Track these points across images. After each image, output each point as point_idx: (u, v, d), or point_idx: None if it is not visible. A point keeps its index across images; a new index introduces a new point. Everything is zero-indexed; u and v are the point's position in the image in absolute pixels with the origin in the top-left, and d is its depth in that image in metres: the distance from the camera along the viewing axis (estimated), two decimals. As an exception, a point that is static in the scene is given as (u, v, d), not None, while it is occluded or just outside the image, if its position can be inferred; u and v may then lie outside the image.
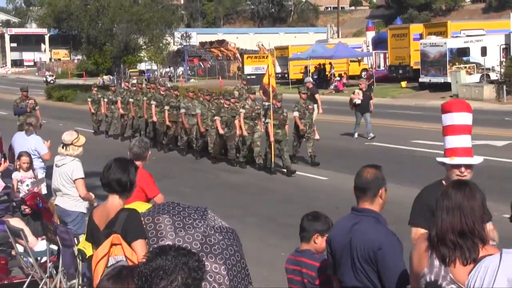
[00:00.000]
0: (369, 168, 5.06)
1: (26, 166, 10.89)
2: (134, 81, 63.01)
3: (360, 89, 24.46)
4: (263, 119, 19.11)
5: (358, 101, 23.99)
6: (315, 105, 21.41)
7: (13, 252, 9.33)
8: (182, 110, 21.54)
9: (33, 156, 11.50)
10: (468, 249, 3.97)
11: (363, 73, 55.03)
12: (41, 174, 11.61)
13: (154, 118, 23.09)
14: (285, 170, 18.07)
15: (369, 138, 23.77)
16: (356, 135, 24.31)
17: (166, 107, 22.51)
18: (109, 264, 5.25)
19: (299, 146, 19.58)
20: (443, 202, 4.12)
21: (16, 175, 10.79)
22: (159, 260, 3.05)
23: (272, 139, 18.09)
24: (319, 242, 5.86)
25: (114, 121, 26.91)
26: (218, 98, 21.51)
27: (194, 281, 3.06)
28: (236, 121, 19.36)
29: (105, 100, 26.97)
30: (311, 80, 28.00)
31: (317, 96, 24.39)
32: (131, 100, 25.17)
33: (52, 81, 70.23)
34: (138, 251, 5.25)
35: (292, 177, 17.70)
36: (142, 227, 5.51)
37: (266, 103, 20.12)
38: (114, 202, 5.77)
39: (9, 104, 31.02)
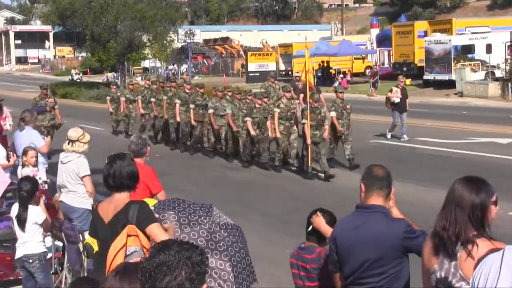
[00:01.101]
0: (378, 166, 5.09)
1: (34, 161, 10.79)
2: (138, 78, 63.10)
3: (398, 86, 22.88)
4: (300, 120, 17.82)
5: (397, 100, 22.43)
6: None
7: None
8: (211, 111, 20.23)
9: None
10: (475, 245, 3.97)
11: (367, 71, 55.00)
12: (40, 168, 11.51)
13: (178, 118, 21.78)
14: (322, 174, 17.03)
15: (402, 139, 22.43)
16: (389, 135, 22.90)
17: (192, 106, 21.17)
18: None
19: (336, 148, 18.49)
20: (449, 198, 4.15)
21: (26, 171, 10.73)
22: (162, 256, 3.06)
23: (309, 141, 16.86)
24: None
25: (131, 121, 25.87)
26: (245, 97, 20.59)
27: (198, 275, 3.06)
28: (269, 122, 18.27)
29: (123, 98, 25.83)
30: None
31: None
32: (152, 99, 23.75)
33: (79, 79, 65.94)
34: (157, 234, 5.33)
35: (303, 176, 17.55)
36: (153, 214, 5.55)
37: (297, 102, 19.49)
38: (122, 196, 5.76)
39: (16, 101, 31.10)
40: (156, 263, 3.05)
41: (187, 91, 21.90)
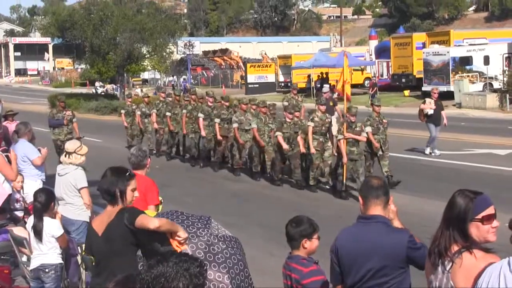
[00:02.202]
0: (375, 177, 5.19)
1: (21, 186, 10.75)
2: (138, 90, 63.04)
3: (432, 97, 22.03)
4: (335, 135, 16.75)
5: (431, 111, 21.61)
6: (333, 117, 19.83)
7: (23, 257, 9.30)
8: (235, 125, 19.17)
9: (23, 163, 11.33)
10: (456, 256, 4.01)
11: (366, 82, 55.07)
12: (34, 181, 11.46)
13: (203, 133, 20.49)
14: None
15: (433, 154, 21.48)
16: (428, 150, 21.77)
17: (217, 120, 19.90)
18: None
19: (372, 165, 17.24)
20: (445, 212, 4.22)
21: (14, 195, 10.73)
22: (161, 267, 3.06)
23: (345, 159, 15.89)
24: (308, 245, 5.92)
25: (148, 135, 24.09)
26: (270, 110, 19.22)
27: (196, 287, 3.06)
28: (299, 138, 17.32)
29: (139, 112, 24.13)
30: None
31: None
32: (168, 114, 22.48)
33: (103, 93, 62.29)
34: (144, 222, 5.39)
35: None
36: (138, 211, 5.59)
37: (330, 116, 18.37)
38: (114, 208, 5.81)
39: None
40: (155, 274, 3.05)
41: (210, 104, 20.70)
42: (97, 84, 68.73)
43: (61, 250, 8.39)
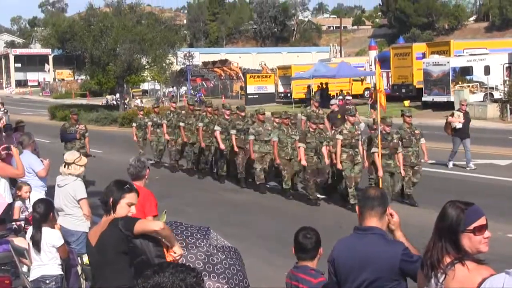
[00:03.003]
0: (373, 188, 5.18)
1: (28, 196, 10.79)
2: (138, 101, 62.99)
3: (461, 110, 21.23)
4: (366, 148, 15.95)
5: (459, 125, 20.77)
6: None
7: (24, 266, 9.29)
8: (251, 137, 18.27)
9: (28, 175, 11.33)
10: (448, 268, 4.01)
11: (366, 92, 55.13)
12: (38, 193, 11.47)
13: (222, 146, 19.50)
14: None
15: (468, 169, 20.53)
16: (451, 164, 21.01)
17: (233, 132, 19.13)
18: None
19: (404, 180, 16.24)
20: (437, 223, 4.23)
21: (17, 204, 10.72)
22: (157, 277, 3.06)
23: (380, 173, 15.05)
24: (321, 252, 5.98)
25: (160, 147, 23.28)
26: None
27: None
28: (324, 149, 16.37)
29: (150, 123, 23.28)
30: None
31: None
32: (181, 124, 21.48)
33: (113, 104, 61.20)
34: (144, 227, 5.49)
35: (291, 198, 17.55)
36: (133, 218, 5.68)
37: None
38: (104, 219, 5.87)
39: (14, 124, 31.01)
40: (151, 285, 3.05)
41: (227, 117, 19.87)
42: (108, 97, 68.54)
43: (61, 261, 8.38)
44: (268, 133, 18.07)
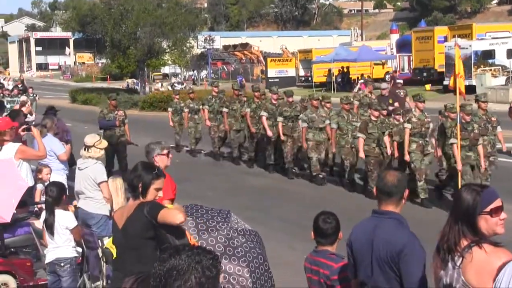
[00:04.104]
0: (392, 171, 5.09)
1: (49, 177, 10.82)
2: (158, 85, 63.00)
3: None
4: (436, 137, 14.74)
5: None
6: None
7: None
8: (304, 124, 17.08)
9: (50, 158, 11.34)
10: (465, 251, 4.02)
11: (387, 76, 54.87)
12: (60, 175, 11.50)
13: (270, 133, 18.32)
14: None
15: None
16: None
17: (280, 119, 17.91)
18: None
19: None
20: (452, 206, 4.27)
21: (39, 187, 10.77)
22: (173, 260, 3.06)
23: (459, 166, 13.50)
24: (341, 237, 5.95)
25: (197, 135, 22.42)
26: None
27: (208, 279, 3.05)
28: (386, 138, 15.15)
29: (186, 110, 22.35)
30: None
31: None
32: (225, 109, 20.34)
33: (183, 89, 57.37)
34: (166, 216, 5.45)
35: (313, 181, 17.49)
36: (160, 205, 5.67)
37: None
38: (134, 202, 5.83)
39: (38, 107, 31.17)
40: (167, 268, 3.05)
41: (274, 102, 18.77)
42: (129, 81, 68.45)
43: (76, 243, 8.42)
44: (322, 120, 16.91)
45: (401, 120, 15.53)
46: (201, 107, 21.72)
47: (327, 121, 16.79)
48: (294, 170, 18.47)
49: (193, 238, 5.63)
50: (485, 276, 3.84)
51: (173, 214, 5.41)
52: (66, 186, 11.41)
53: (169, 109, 23.74)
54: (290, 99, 18.22)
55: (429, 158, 14.81)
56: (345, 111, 16.74)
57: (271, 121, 18.40)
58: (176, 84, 60.17)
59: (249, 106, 19.56)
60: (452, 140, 13.72)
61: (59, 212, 8.18)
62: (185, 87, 48.76)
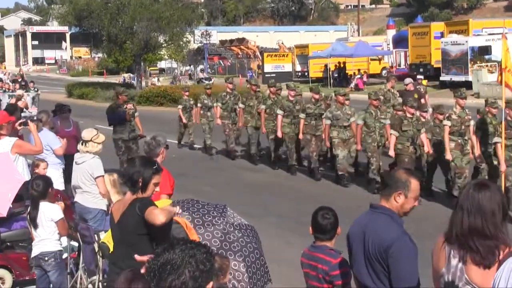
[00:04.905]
0: (402, 170, 5.11)
1: (45, 172, 10.78)
2: (155, 79, 62.84)
3: None
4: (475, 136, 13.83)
5: None
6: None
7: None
8: (327, 122, 16.13)
9: (46, 152, 11.31)
10: (488, 252, 3.97)
11: (384, 72, 54.86)
12: (56, 170, 11.48)
13: (279, 133, 17.57)
14: None
15: None
16: None
17: (302, 115, 16.95)
18: None
19: None
20: (463, 203, 4.12)
21: None
22: (167, 255, 3.07)
23: (503, 167, 12.61)
24: (339, 232, 5.92)
25: (207, 135, 21.42)
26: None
27: (202, 273, 3.06)
28: (423, 136, 14.26)
29: (200, 105, 21.42)
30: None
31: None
32: (240, 105, 19.50)
33: (207, 80, 55.65)
34: (152, 217, 5.40)
35: (311, 176, 17.53)
36: (150, 203, 5.57)
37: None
38: (129, 195, 5.82)
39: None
40: (161, 262, 3.07)
41: (291, 98, 17.79)
42: (125, 75, 68.27)
43: (61, 236, 8.37)
44: (347, 118, 16.04)
45: (428, 117, 14.99)
46: (215, 104, 20.86)
47: (352, 119, 15.97)
48: (296, 166, 18.05)
49: (194, 233, 5.63)
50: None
51: (155, 214, 5.39)
52: (62, 180, 11.45)
53: (179, 106, 22.77)
54: (316, 96, 17.22)
55: (468, 157, 13.95)
56: (373, 107, 15.64)
57: (289, 119, 17.53)
58: (204, 80, 57.69)
59: (264, 103, 18.76)
60: (496, 139, 12.75)
61: (44, 205, 8.11)
62: (213, 83, 46.29)
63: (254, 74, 55.67)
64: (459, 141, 13.83)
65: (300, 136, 17.06)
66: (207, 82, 50.96)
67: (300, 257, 6.02)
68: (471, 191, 4.12)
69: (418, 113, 14.75)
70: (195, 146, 22.44)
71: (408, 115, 14.36)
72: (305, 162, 18.49)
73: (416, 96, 18.54)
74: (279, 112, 17.49)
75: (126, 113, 16.64)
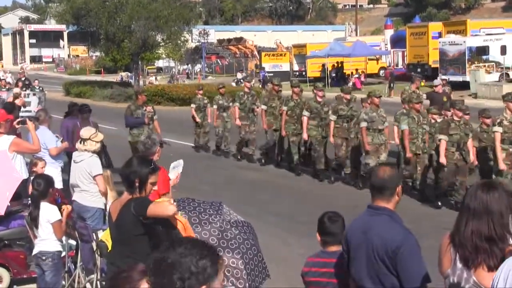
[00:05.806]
0: (385, 167, 5.05)
1: (44, 170, 10.75)
2: (152, 78, 62.71)
3: None
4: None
5: None
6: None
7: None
8: (363, 124, 15.03)
9: (43, 150, 11.23)
10: (495, 254, 3.93)
11: (381, 72, 54.90)
12: (54, 168, 11.45)
13: (305, 136, 16.87)
14: None
15: None
16: None
17: (332, 117, 16.07)
18: None
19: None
20: (470, 204, 4.07)
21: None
22: (168, 253, 3.09)
23: None
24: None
25: (226, 133, 20.62)
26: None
27: (204, 270, 3.08)
28: (470, 142, 13.48)
29: (215, 106, 20.73)
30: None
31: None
32: (263, 107, 18.60)
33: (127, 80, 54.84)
34: (157, 211, 5.39)
35: (309, 175, 17.52)
36: (147, 199, 5.54)
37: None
38: (126, 195, 5.82)
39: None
40: (162, 261, 3.08)
41: (319, 99, 16.85)
42: (123, 74, 68.00)
43: (70, 237, 8.37)
44: (382, 121, 15.10)
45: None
46: (231, 104, 20.30)
47: (387, 123, 15.18)
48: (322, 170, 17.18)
49: (192, 232, 5.64)
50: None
51: (164, 206, 5.38)
52: (61, 179, 11.44)
53: (192, 105, 21.88)
54: (348, 96, 16.37)
55: None
56: (415, 112, 14.59)
57: (316, 121, 16.72)
58: (242, 81, 54.47)
59: (286, 104, 17.70)
60: None
61: (44, 205, 8.10)
62: (254, 83, 44.08)
63: (266, 74, 54.04)
64: (511, 150, 12.69)
65: (331, 139, 16.20)
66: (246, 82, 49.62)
67: (304, 267, 5.68)
68: (478, 192, 4.05)
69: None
70: (208, 146, 21.67)
71: (456, 118, 13.52)
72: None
73: (444, 99, 17.97)
74: (306, 113, 16.67)
75: (145, 116, 16.05)
